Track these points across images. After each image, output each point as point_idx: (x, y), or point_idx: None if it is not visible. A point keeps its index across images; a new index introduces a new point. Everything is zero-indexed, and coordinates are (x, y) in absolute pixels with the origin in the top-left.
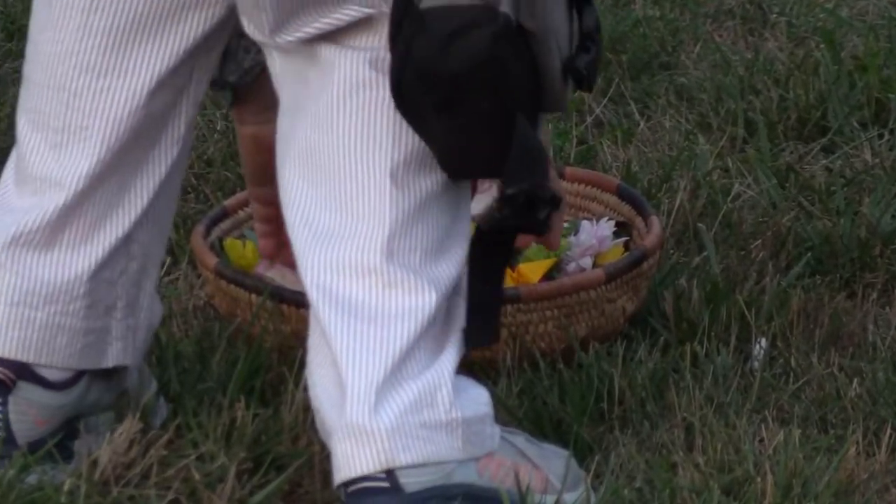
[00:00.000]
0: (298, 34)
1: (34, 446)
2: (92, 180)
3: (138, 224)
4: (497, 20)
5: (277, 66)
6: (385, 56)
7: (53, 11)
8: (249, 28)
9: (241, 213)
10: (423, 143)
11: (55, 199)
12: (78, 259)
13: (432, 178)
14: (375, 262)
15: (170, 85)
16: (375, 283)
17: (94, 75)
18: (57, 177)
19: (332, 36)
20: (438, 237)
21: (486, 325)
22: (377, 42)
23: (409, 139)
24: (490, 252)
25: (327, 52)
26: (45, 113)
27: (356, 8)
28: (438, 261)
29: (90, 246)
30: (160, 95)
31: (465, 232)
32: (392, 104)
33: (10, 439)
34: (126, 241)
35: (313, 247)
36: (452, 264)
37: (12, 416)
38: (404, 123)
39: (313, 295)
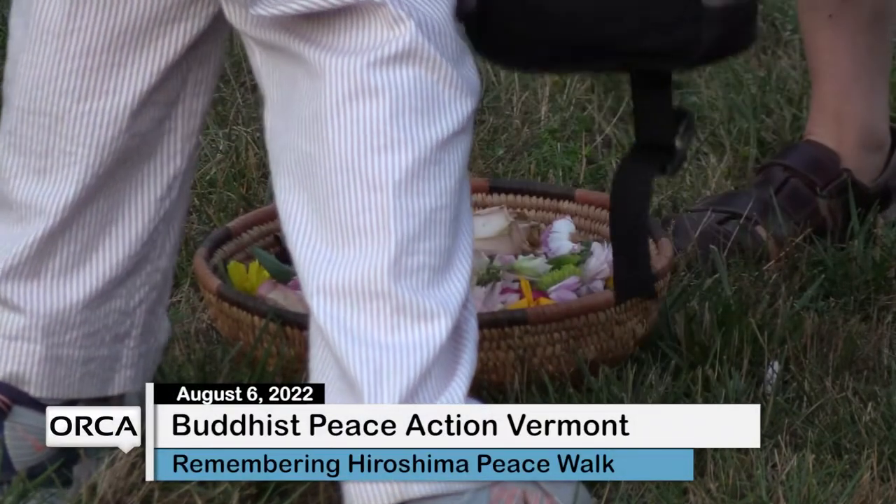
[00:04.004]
0: (280, 8)
1: (34, 472)
2: (77, 206)
3: (149, 246)
4: None
5: (258, 60)
6: (382, 57)
7: (29, 34)
8: (230, 13)
9: (246, 236)
10: (424, 151)
11: (39, 227)
12: (70, 287)
13: (436, 189)
14: (383, 285)
15: (156, 102)
16: (384, 308)
17: (74, 99)
18: (41, 204)
19: (318, 39)
20: (445, 252)
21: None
22: (370, 41)
23: (410, 149)
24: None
25: (316, 54)
26: (26, 137)
27: None
28: (446, 279)
29: (83, 272)
30: (146, 114)
31: (470, 242)
32: (392, 111)
33: (7, 465)
34: (139, 265)
35: (317, 266)
36: (460, 280)
37: (9, 442)
38: (405, 132)
39: (321, 320)
